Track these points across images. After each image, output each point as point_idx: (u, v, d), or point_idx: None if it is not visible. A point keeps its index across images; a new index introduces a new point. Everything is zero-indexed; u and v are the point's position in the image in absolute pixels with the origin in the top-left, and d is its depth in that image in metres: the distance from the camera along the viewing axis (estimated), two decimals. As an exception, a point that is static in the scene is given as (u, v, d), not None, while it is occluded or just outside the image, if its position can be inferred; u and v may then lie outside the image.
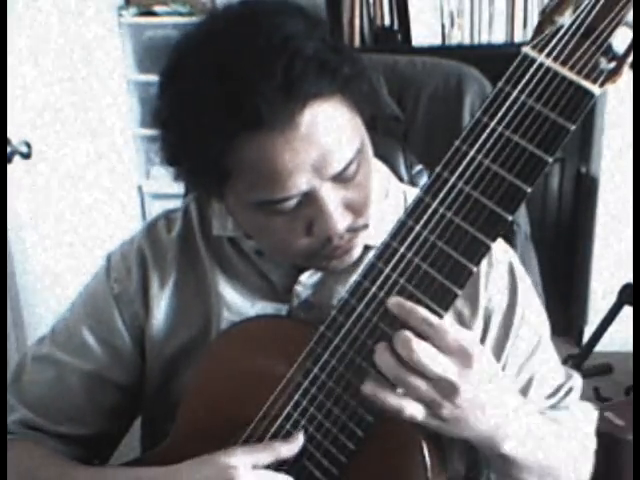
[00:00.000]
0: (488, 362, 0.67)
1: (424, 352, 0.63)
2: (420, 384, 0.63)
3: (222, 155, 0.68)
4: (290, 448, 0.72)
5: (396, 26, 2.54)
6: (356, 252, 0.78)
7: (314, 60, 0.66)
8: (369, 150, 0.76)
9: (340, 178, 0.71)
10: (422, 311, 0.65)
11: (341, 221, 0.72)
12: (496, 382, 0.68)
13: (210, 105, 0.66)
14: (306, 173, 0.68)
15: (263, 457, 0.71)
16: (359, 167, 0.72)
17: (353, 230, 0.75)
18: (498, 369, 0.70)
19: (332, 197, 0.71)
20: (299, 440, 0.72)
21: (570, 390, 0.87)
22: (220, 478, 0.68)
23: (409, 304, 0.65)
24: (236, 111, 0.65)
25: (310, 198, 0.71)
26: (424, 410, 0.65)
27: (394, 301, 0.66)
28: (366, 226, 0.77)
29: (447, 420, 0.65)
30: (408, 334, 0.63)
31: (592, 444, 0.87)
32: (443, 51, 2.52)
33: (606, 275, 2.60)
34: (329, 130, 0.68)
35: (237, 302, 0.84)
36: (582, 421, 0.86)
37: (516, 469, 0.74)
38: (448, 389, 0.64)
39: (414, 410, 0.64)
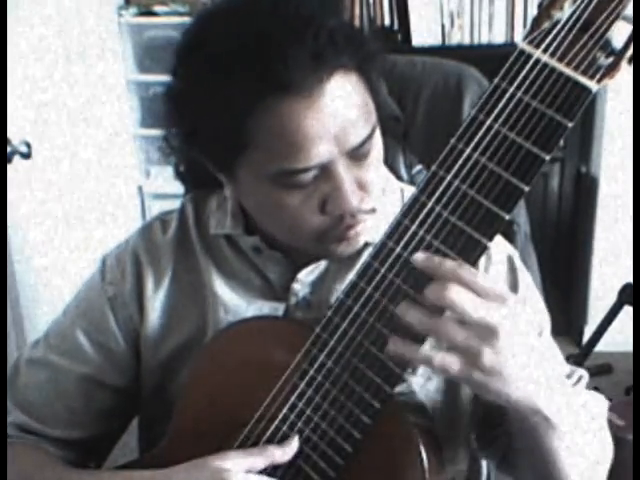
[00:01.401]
0: (525, 312, 0.64)
1: (460, 295, 0.60)
2: (458, 331, 0.61)
3: (246, 119, 0.68)
4: (285, 453, 0.71)
5: (396, 26, 2.54)
6: (362, 239, 0.78)
7: (340, 33, 0.69)
8: (379, 136, 0.77)
9: (356, 155, 0.72)
10: (450, 262, 0.62)
11: (354, 199, 0.72)
12: (533, 337, 0.65)
13: (241, 66, 0.67)
14: (329, 142, 0.69)
15: (257, 461, 0.71)
16: (371, 149, 0.73)
17: (363, 211, 0.75)
18: (535, 327, 0.68)
19: (348, 174, 0.71)
20: (294, 445, 0.71)
21: (580, 378, 0.85)
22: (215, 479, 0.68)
23: (437, 258, 0.63)
24: (267, 73, 0.66)
25: (327, 173, 0.71)
26: (460, 360, 0.62)
27: (421, 257, 0.64)
28: (374, 210, 0.76)
29: (489, 371, 0.62)
30: (441, 280, 0.61)
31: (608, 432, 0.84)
32: (443, 51, 2.52)
33: (606, 275, 2.60)
34: (351, 103, 0.70)
35: (233, 301, 0.84)
36: (598, 408, 0.84)
37: (556, 442, 0.70)
38: (487, 333, 0.61)
39: (449, 359, 0.62)
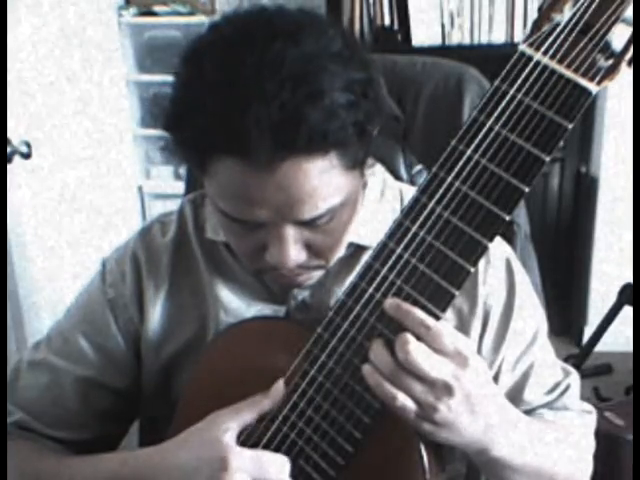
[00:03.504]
0: (482, 368, 0.67)
1: (420, 354, 0.63)
2: (415, 385, 0.63)
3: (203, 156, 0.69)
4: (273, 400, 0.71)
5: (396, 26, 2.54)
6: (306, 283, 0.78)
7: (320, 114, 0.63)
8: (357, 197, 0.75)
9: (307, 224, 0.70)
10: (419, 313, 0.64)
11: (294, 258, 0.71)
12: (489, 388, 0.68)
13: (207, 111, 0.65)
14: (269, 210, 0.68)
15: (248, 416, 0.71)
16: (333, 218, 0.71)
17: (305, 268, 0.75)
18: (490, 377, 0.70)
19: (293, 235, 0.70)
20: (280, 390, 0.72)
21: (567, 388, 0.87)
22: (213, 458, 0.68)
23: (406, 306, 0.65)
24: (224, 129, 0.64)
25: (270, 227, 0.70)
26: (416, 409, 0.64)
27: (391, 303, 0.66)
28: (322, 267, 0.77)
29: (439, 424, 0.65)
30: (407, 336, 0.63)
31: (590, 446, 0.87)
32: (443, 51, 2.52)
33: (606, 275, 2.60)
34: (305, 184, 0.66)
35: (234, 304, 0.84)
36: (580, 423, 0.86)
37: (508, 472, 0.74)
38: (442, 391, 0.64)
39: (406, 402, 0.64)
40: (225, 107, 0.64)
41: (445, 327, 0.65)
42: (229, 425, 0.69)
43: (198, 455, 0.69)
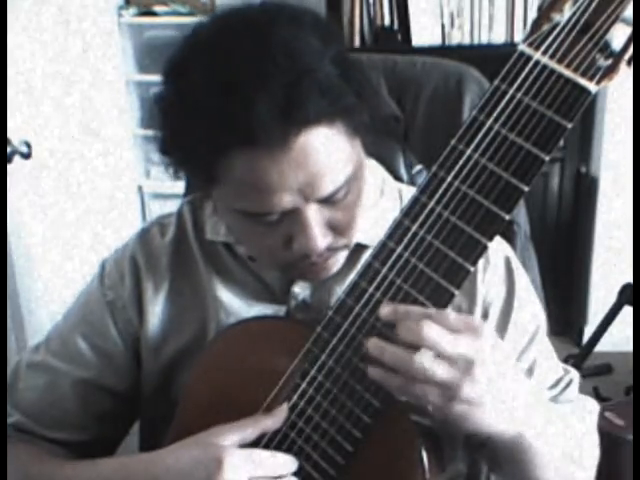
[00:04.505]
0: (496, 338, 0.66)
1: (434, 331, 0.61)
2: (436, 366, 0.61)
3: (212, 162, 0.68)
4: (275, 421, 0.72)
5: (396, 26, 2.54)
6: (335, 268, 0.78)
7: (319, 85, 0.65)
8: (364, 172, 0.76)
9: (327, 201, 0.71)
10: (417, 308, 0.64)
11: (321, 240, 0.71)
12: (508, 360, 0.67)
13: (207, 116, 0.66)
14: (291, 194, 0.68)
15: (249, 433, 0.71)
16: (348, 191, 0.72)
17: (333, 249, 0.75)
18: (508, 349, 0.69)
19: (316, 217, 0.71)
20: (283, 411, 0.72)
21: (570, 382, 0.86)
22: (208, 457, 0.68)
23: (402, 307, 0.65)
24: (231, 126, 0.65)
25: (293, 215, 0.70)
26: (440, 393, 0.63)
27: (387, 309, 0.65)
28: (347, 246, 0.77)
29: (468, 401, 0.63)
30: (413, 322, 0.62)
31: (596, 438, 0.86)
32: (443, 51, 2.52)
33: (606, 275, 2.60)
34: (321, 156, 0.67)
35: (234, 304, 0.84)
36: (585, 415, 0.86)
37: (530, 461, 0.72)
38: (464, 366, 0.62)
39: (429, 389, 0.62)
40: (225, 104, 0.65)
41: (446, 311, 0.64)
42: (227, 436, 0.70)
43: (193, 457, 0.69)
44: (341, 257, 0.78)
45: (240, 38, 0.67)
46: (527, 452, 0.71)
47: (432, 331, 0.61)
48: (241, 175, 0.68)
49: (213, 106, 0.65)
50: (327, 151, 0.68)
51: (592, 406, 0.88)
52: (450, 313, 0.64)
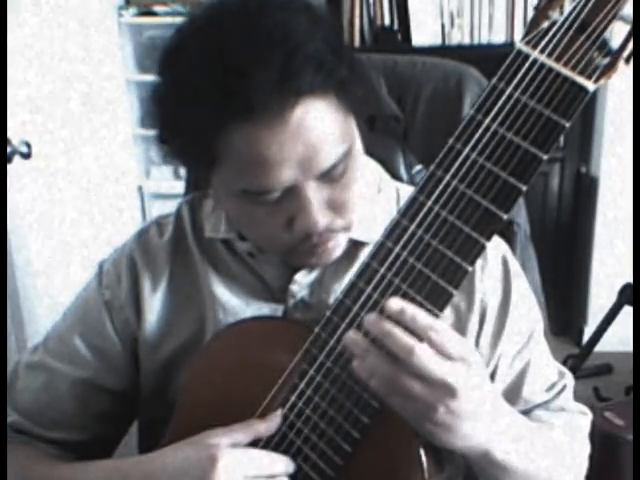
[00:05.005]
0: (483, 372, 0.67)
1: (425, 353, 0.62)
2: (416, 385, 0.62)
3: (211, 140, 0.69)
4: (268, 426, 0.72)
5: (396, 26, 2.54)
6: (337, 252, 0.78)
7: (311, 58, 0.66)
8: (359, 154, 0.76)
9: (326, 177, 0.71)
10: (427, 318, 0.64)
11: (321, 219, 0.72)
12: (489, 394, 0.68)
13: (205, 92, 0.66)
14: (291, 168, 0.68)
15: (242, 437, 0.71)
16: (346, 169, 0.72)
17: (333, 231, 0.75)
18: (489, 382, 0.70)
19: (315, 195, 0.71)
20: (277, 418, 0.72)
21: (564, 388, 0.87)
22: (202, 457, 0.68)
23: (411, 308, 0.64)
24: (229, 100, 0.66)
25: (293, 193, 0.71)
26: (414, 409, 0.64)
27: (396, 306, 0.64)
28: (347, 229, 0.77)
29: (438, 425, 0.64)
30: (410, 340, 0.62)
31: (585, 448, 0.87)
32: (443, 51, 2.52)
33: (606, 275, 2.60)
34: (318, 127, 0.68)
35: (232, 303, 0.84)
36: (576, 425, 0.87)
37: (504, 475, 0.74)
38: (445, 392, 0.63)
39: (405, 402, 0.64)
40: (221, 81, 0.65)
41: (449, 330, 0.64)
42: (221, 438, 0.70)
43: (188, 456, 0.69)
44: (342, 240, 0.77)
45: (233, 22, 0.68)
46: (498, 466, 0.72)
47: (423, 352, 0.61)
48: (241, 151, 0.68)
49: (210, 84, 0.66)
50: (323, 124, 0.68)
51: (584, 421, 0.88)
52: (452, 337, 0.64)
